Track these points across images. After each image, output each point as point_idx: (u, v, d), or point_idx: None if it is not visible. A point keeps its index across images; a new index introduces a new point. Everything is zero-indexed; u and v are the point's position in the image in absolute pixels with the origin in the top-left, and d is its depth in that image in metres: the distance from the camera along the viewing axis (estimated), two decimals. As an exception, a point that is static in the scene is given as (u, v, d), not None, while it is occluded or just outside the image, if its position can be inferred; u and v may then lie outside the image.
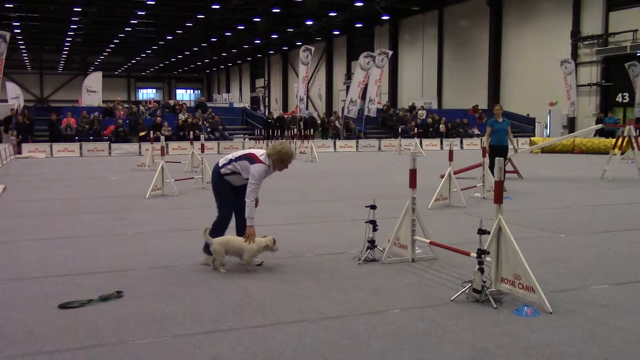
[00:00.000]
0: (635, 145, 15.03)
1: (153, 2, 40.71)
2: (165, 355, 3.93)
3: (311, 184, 14.33)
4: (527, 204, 10.87)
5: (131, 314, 4.70)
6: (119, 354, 3.94)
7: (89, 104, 32.56)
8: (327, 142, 30.09)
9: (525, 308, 4.73)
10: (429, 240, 6.25)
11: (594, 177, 15.21)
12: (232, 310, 4.81)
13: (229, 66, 79.53)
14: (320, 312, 4.76)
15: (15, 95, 37.52)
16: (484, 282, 4.97)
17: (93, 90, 33.79)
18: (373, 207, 6.46)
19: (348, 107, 31.63)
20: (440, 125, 32.48)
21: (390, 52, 35.69)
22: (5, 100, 34.30)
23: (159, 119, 28.44)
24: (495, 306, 4.82)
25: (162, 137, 15.75)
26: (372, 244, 6.37)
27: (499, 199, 5.02)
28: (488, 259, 5.05)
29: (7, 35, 21.43)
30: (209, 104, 38.98)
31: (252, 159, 6.07)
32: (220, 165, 6.22)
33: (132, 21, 47.93)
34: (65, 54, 66.52)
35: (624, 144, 15.70)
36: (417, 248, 6.45)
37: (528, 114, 34.05)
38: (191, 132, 19.23)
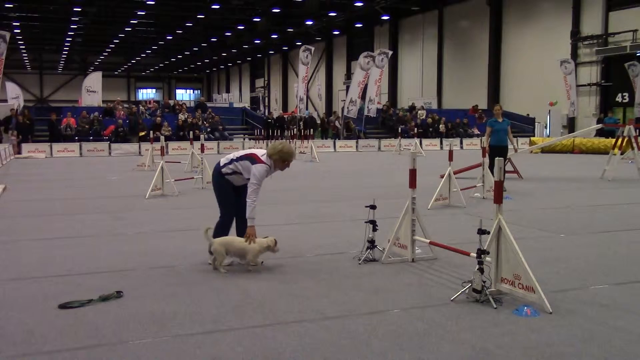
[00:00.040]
0: (635, 145, 15.03)
1: (153, 2, 40.72)
2: (165, 355, 3.93)
3: (311, 184, 14.32)
4: (527, 204, 10.87)
5: (131, 314, 4.70)
6: (119, 354, 3.94)
7: (89, 104, 32.56)
8: (327, 142, 30.09)
9: (525, 308, 4.73)
10: (428, 240, 6.25)
11: (594, 177, 15.21)
12: (232, 310, 4.80)
13: (229, 66, 79.53)
14: (320, 312, 4.76)
15: (15, 95, 37.55)
16: (484, 282, 4.97)
17: (93, 90, 33.79)
18: (373, 207, 6.46)
19: (348, 107, 31.62)
20: (440, 125, 32.48)
21: (390, 52, 35.70)
22: (5, 100, 34.33)
23: (158, 119, 28.44)
24: (495, 306, 4.82)
25: (162, 137, 15.75)
26: (372, 244, 6.36)
27: (498, 199, 5.02)
28: (488, 259, 5.05)
29: (7, 35, 21.43)
30: (208, 104, 38.96)
31: (253, 159, 6.06)
32: (221, 164, 6.21)
33: (132, 21, 47.94)
34: (65, 54, 66.53)
35: (624, 144, 15.70)
36: (417, 248, 6.45)
37: (528, 114, 34.05)
38: (191, 132, 19.23)
